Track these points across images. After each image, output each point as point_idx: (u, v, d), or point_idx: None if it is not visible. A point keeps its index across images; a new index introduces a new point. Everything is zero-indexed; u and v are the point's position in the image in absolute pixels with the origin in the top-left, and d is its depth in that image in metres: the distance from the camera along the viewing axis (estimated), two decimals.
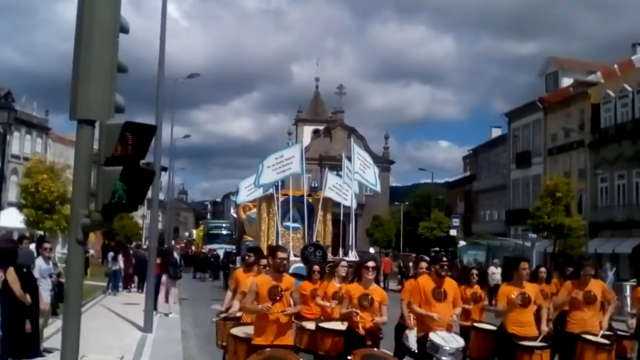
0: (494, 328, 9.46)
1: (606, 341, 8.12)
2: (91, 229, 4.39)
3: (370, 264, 7.74)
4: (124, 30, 4.70)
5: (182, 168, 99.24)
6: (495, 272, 23.78)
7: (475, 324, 9.28)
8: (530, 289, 8.13)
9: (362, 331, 7.38)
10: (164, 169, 41.53)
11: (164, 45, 14.87)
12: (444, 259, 7.98)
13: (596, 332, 8.23)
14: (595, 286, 8.45)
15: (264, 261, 8.82)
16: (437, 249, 39.06)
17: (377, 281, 8.63)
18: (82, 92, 4.35)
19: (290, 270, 16.27)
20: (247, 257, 9.53)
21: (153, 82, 15.64)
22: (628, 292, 20.46)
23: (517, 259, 8.59)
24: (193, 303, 21.25)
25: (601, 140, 38.92)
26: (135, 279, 24.94)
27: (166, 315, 16.81)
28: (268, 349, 6.80)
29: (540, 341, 7.82)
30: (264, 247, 19.67)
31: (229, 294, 9.69)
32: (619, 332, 9.49)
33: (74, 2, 4.57)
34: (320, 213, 22.83)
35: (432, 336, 7.40)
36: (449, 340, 7.40)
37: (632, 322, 9.32)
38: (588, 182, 35.13)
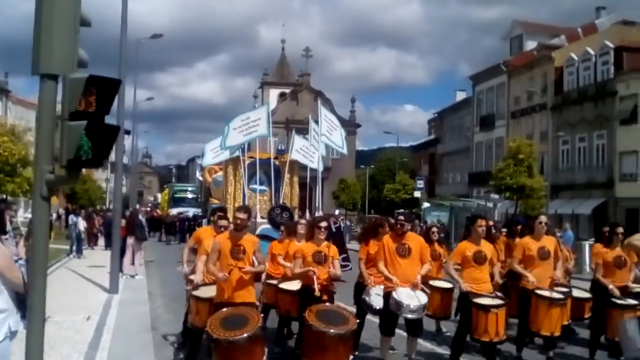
0: (450, 285, 9.68)
1: (560, 296, 8.37)
2: (56, 184, 4.35)
3: (323, 224, 7.93)
4: None
5: (145, 131, 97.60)
6: None
7: (431, 282, 9.29)
8: (487, 247, 8.31)
9: (317, 290, 7.53)
10: (127, 132, 40.94)
11: (127, 3, 14.58)
12: (400, 217, 8.07)
13: (549, 287, 8.48)
14: (549, 242, 8.68)
15: (223, 222, 8.75)
16: (401, 210, 39.47)
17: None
18: (45, 46, 4.27)
19: (257, 232, 16.43)
20: (217, 217, 9.35)
21: (115, 44, 15.37)
22: (587, 251, 21.06)
23: (475, 216, 8.71)
24: (159, 265, 21.25)
25: (563, 103, 39.50)
26: (101, 238, 25.18)
27: (132, 277, 16.80)
28: (230, 307, 6.91)
29: (495, 297, 8.03)
30: (230, 209, 19.66)
31: (186, 250, 9.55)
32: (579, 295, 9.72)
33: None
34: (287, 176, 22.82)
35: (395, 294, 7.57)
36: (411, 297, 7.58)
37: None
38: (550, 144, 35.78)
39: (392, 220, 8.24)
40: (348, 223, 46.27)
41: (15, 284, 4.27)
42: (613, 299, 8.46)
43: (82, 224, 23.93)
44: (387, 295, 7.77)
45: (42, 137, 4.37)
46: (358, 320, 7.85)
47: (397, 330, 8.19)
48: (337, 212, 44.81)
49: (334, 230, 17.58)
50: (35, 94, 4.80)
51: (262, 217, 19.48)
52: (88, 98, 4.18)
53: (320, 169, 21.65)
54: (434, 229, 10.84)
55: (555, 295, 8.33)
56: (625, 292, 8.60)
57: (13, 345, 4.36)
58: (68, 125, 4.21)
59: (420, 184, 49.41)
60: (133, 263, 17.69)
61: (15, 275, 4.29)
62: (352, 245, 23.00)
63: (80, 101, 4.18)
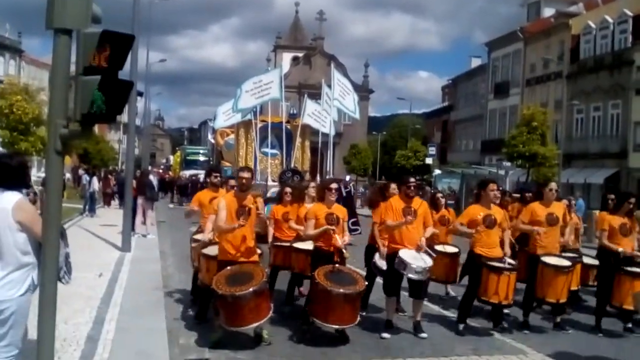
0: (456, 250, 9.75)
1: (567, 263, 8.40)
2: (70, 139, 4.37)
3: (333, 185, 8.02)
4: None
5: (158, 93, 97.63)
6: None
7: (437, 247, 9.33)
8: (497, 211, 8.34)
9: (332, 248, 7.66)
10: (140, 94, 40.93)
11: None
12: (411, 179, 8.17)
13: (557, 253, 8.53)
14: (558, 208, 8.69)
15: (232, 182, 8.87)
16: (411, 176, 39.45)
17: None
18: (59, 1, 4.27)
19: (268, 195, 16.53)
20: (213, 177, 9.40)
21: (128, 4, 15.34)
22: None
23: (487, 180, 8.75)
24: (170, 226, 21.44)
25: (579, 71, 39.04)
26: (116, 197, 25.78)
27: (144, 236, 16.98)
28: (234, 265, 7.03)
29: (505, 262, 8.09)
30: None
31: (193, 207, 9.54)
32: (587, 262, 9.78)
33: None
34: (298, 140, 22.88)
35: (401, 253, 7.68)
36: (416, 259, 7.67)
37: None
38: (564, 113, 35.36)
39: (402, 184, 8.25)
40: (362, 189, 46.46)
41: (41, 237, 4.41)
42: (623, 267, 8.47)
43: (96, 184, 24.20)
44: (391, 256, 7.85)
45: (56, 92, 4.38)
46: (367, 283, 7.99)
47: (406, 294, 8.28)
48: (347, 177, 44.80)
49: (344, 194, 17.71)
50: (48, 54, 4.81)
51: (273, 181, 19.57)
52: (102, 53, 4.18)
53: (332, 133, 21.63)
54: (439, 195, 10.91)
55: (562, 262, 8.37)
56: (632, 260, 8.62)
57: None
58: (82, 80, 4.21)
59: (432, 150, 49.23)
60: (144, 223, 17.85)
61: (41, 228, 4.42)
62: (362, 211, 23.03)
63: (94, 56, 4.19)
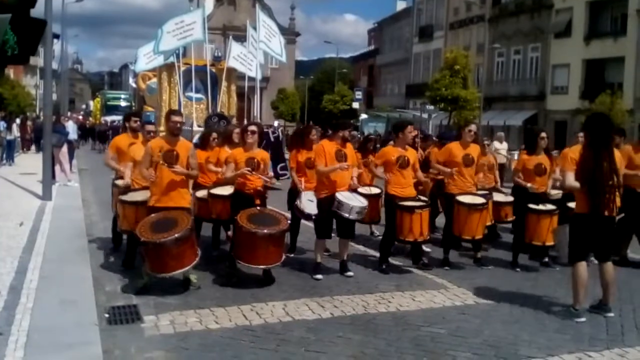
0: (378, 191, 10.00)
1: (480, 200, 8.74)
2: None
3: (251, 127, 7.94)
4: None
5: (75, 35, 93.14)
6: (499, 148, 19.84)
7: (360, 189, 9.57)
8: (410, 153, 8.55)
9: (252, 191, 7.68)
10: (56, 37, 39.17)
11: None
12: (351, 126, 8.44)
13: (473, 192, 8.86)
14: (474, 150, 8.99)
15: (150, 127, 8.63)
16: (343, 120, 39.81)
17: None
18: None
19: (194, 140, 16.29)
20: (132, 122, 9.07)
21: None
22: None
23: (404, 122, 8.91)
24: (92, 173, 20.92)
25: (501, 14, 39.74)
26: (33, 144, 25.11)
27: (65, 185, 16.49)
28: (161, 212, 6.97)
29: (419, 200, 8.47)
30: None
31: (112, 163, 9.10)
32: (502, 199, 10.18)
33: None
34: (224, 84, 22.41)
35: (338, 195, 7.82)
36: (353, 200, 7.85)
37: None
38: (486, 56, 36.09)
39: (342, 129, 8.31)
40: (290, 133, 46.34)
41: None
42: (530, 205, 8.83)
43: (16, 131, 23.32)
44: (326, 199, 7.94)
45: None
46: (292, 224, 8.08)
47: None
48: (276, 122, 44.68)
49: (272, 140, 17.65)
50: None
51: (198, 126, 19.26)
52: None
53: (259, 77, 21.34)
54: (372, 137, 11.20)
55: (476, 200, 8.70)
56: (544, 198, 9.01)
57: None
58: None
59: (359, 95, 49.56)
60: (63, 171, 17.23)
61: None
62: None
63: None
